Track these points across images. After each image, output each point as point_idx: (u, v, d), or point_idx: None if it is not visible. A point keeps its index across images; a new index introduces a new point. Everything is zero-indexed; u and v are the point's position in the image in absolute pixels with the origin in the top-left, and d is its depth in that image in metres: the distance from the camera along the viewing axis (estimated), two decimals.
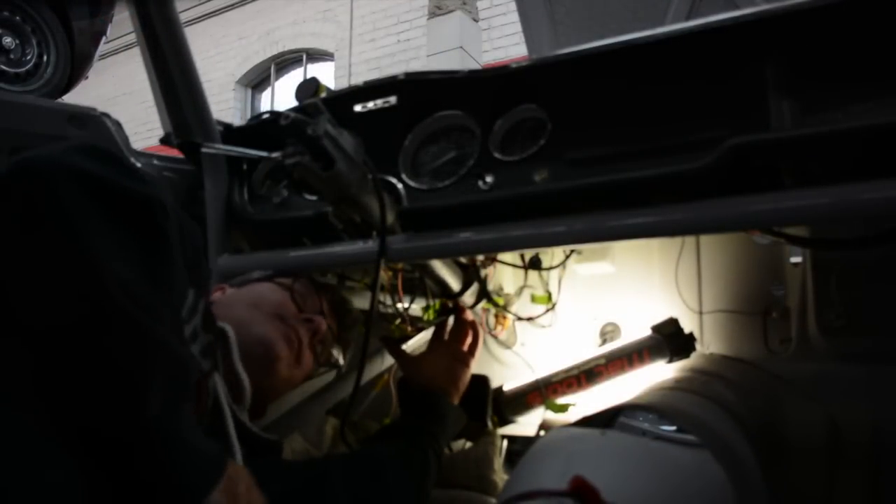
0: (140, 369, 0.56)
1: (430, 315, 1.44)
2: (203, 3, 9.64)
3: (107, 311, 0.54)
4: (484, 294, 1.45)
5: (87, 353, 0.54)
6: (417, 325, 1.40)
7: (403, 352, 1.31)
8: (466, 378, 1.26)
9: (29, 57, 2.72)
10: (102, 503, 0.55)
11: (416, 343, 1.41)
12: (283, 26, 9.32)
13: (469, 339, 1.30)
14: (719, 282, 1.41)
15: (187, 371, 0.62)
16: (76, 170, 0.58)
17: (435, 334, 1.32)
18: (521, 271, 1.49)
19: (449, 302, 1.36)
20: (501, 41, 7.29)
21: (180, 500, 0.58)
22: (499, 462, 1.31)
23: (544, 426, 1.40)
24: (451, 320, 1.33)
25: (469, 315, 1.35)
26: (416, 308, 1.46)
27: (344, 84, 7.17)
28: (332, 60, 8.87)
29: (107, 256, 0.56)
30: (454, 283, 1.33)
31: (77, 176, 0.57)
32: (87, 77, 3.05)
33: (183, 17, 1.24)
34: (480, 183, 1.05)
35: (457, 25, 7.12)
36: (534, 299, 1.54)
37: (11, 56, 2.66)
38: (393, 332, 1.36)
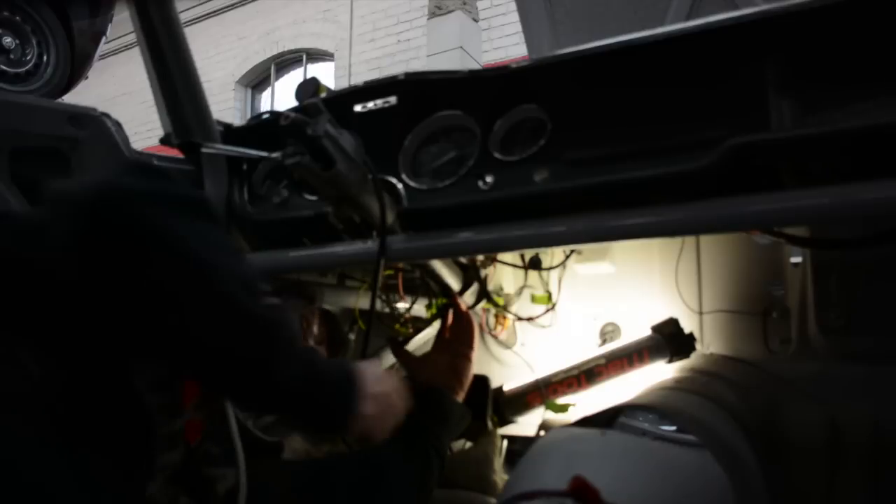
0: (266, 350, 0.65)
1: (433, 312, 1.44)
2: (203, 3, 9.64)
3: (233, 308, 0.62)
4: (484, 294, 1.45)
5: (227, 349, 0.63)
6: (418, 325, 1.40)
7: (407, 352, 1.31)
8: (470, 373, 1.26)
9: (29, 57, 2.72)
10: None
11: (418, 343, 1.41)
12: (283, 26, 9.32)
13: (467, 333, 1.30)
14: (719, 282, 1.41)
15: (290, 326, 0.70)
16: (149, 193, 0.61)
17: (438, 333, 1.32)
18: (521, 271, 1.50)
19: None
20: (501, 41, 7.28)
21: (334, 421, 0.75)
22: (499, 462, 1.31)
23: (544, 426, 1.40)
24: (450, 317, 1.33)
25: (462, 305, 1.34)
26: (419, 308, 1.47)
27: (344, 84, 7.16)
28: (332, 60, 8.86)
29: (213, 258, 0.63)
30: (454, 283, 1.33)
31: (153, 199, 0.61)
32: (87, 77, 3.05)
33: (183, 17, 1.24)
34: (480, 183, 1.05)
35: (457, 25, 7.12)
36: (534, 299, 1.54)
37: (11, 56, 2.66)
38: (398, 332, 1.37)
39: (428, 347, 1.34)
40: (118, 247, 0.57)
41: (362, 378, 0.79)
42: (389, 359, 1.45)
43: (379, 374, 0.84)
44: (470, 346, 1.28)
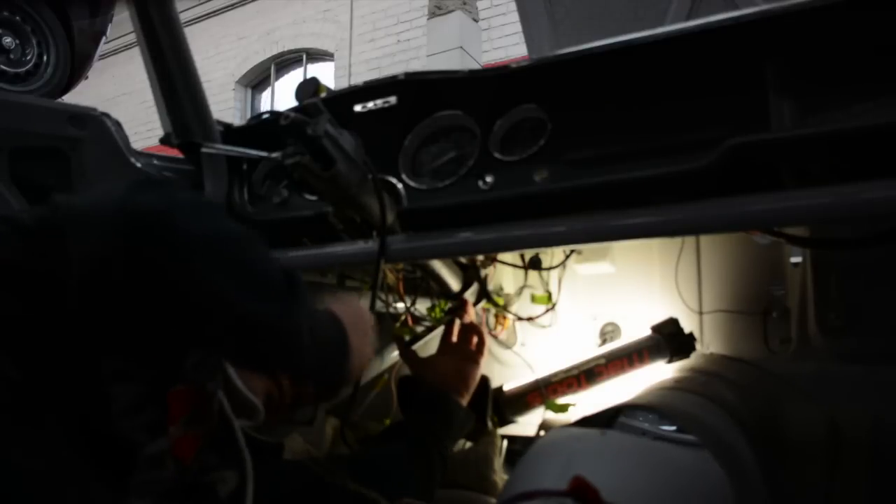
0: (295, 334, 0.70)
1: (437, 314, 1.44)
2: (203, 3, 9.64)
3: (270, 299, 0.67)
4: (484, 294, 1.45)
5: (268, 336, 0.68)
6: (423, 324, 1.40)
7: (414, 353, 1.31)
8: (477, 377, 1.26)
9: (29, 57, 2.72)
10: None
11: (421, 343, 1.41)
12: (283, 26, 9.32)
13: (476, 338, 1.30)
14: (719, 282, 1.41)
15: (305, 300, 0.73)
16: (170, 207, 0.64)
17: (444, 335, 1.32)
18: (521, 271, 1.50)
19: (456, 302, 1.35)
20: (501, 41, 7.28)
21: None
22: (499, 462, 1.31)
23: (544, 426, 1.40)
24: (458, 321, 1.33)
25: (471, 314, 1.34)
26: (420, 308, 1.47)
27: (344, 84, 7.16)
28: (332, 60, 8.87)
29: (246, 252, 0.68)
30: (454, 283, 1.33)
31: (177, 211, 0.64)
32: (87, 77, 3.05)
33: (183, 17, 1.24)
34: (480, 183, 1.05)
35: (457, 25, 7.12)
36: (534, 299, 1.54)
37: (11, 56, 2.66)
38: (403, 332, 1.36)
39: (430, 348, 1.34)
40: (160, 262, 0.60)
41: (349, 334, 0.82)
42: (389, 360, 1.46)
43: (356, 312, 0.86)
44: (480, 351, 1.28)
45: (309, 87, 1.16)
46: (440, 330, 1.33)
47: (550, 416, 1.40)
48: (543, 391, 1.37)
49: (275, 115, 1.16)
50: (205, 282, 0.63)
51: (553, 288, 1.51)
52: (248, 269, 0.67)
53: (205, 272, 0.63)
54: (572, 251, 1.41)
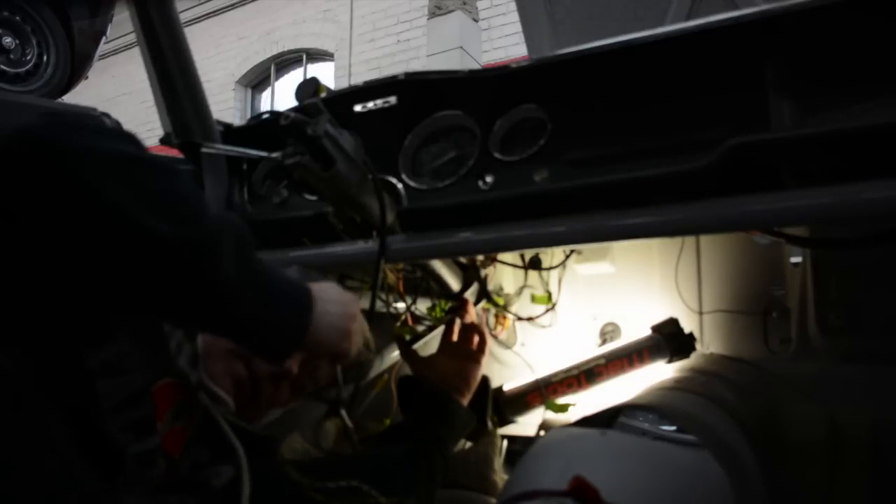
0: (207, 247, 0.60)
1: (437, 314, 1.44)
2: (203, 3, 9.64)
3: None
4: (484, 294, 1.45)
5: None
6: (424, 323, 1.40)
7: (415, 352, 1.31)
8: (478, 377, 1.26)
9: (29, 57, 2.72)
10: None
11: (421, 343, 1.41)
12: (283, 26, 9.32)
13: (477, 338, 1.30)
14: (719, 282, 1.41)
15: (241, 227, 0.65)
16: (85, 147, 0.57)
17: (445, 334, 1.31)
18: (521, 271, 1.50)
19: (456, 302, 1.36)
20: (501, 41, 7.28)
21: (287, 338, 0.69)
22: (499, 462, 1.31)
23: (544, 426, 1.40)
24: (458, 322, 1.33)
25: (472, 314, 1.34)
26: (421, 307, 1.46)
27: (344, 84, 7.16)
28: (332, 60, 8.86)
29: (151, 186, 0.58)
30: (454, 283, 1.33)
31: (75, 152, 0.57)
32: (87, 77, 3.05)
33: (183, 17, 1.24)
34: (480, 183, 1.05)
35: (457, 25, 7.12)
36: (534, 299, 1.54)
37: (11, 56, 2.66)
38: (403, 332, 1.36)
39: (430, 347, 1.34)
40: (43, 180, 0.54)
41: (313, 294, 0.72)
42: (389, 359, 1.46)
43: (329, 287, 0.77)
44: (481, 351, 1.28)
45: (309, 87, 1.16)
46: (441, 329, 1.33)
47: (550, 416, 1.40)
48: (543, 391, 1.37)
49: (275, 115, 1.16)
50: (94, 193, 0.54)
51: (553, 288, 1.51)
52: (153, 189, 0.58)
53: (94, 184, 0.54)
54: (572, 251, 1.41)
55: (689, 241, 1.43)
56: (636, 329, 1.38)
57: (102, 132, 0.61)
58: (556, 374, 1.38)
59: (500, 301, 1.55)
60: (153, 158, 0.61)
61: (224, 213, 0.63)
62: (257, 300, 0.65)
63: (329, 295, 0.75)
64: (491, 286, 1.51)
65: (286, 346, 0.71)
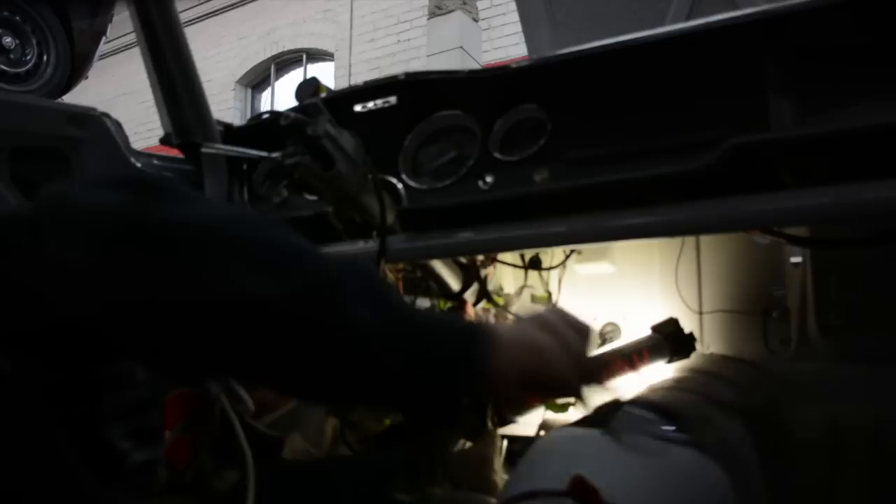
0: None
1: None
2: (203, 3, 9.64)
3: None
4: (484, 294, 1.45)
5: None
6: None
7: None
8: None
9: (29, 57, 2.71)
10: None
11: None
12: (283, 26, 9.32)
13: None
14: (719, 282, 1.41)
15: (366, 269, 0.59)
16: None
17: None
18: (521, 271, 1.50)
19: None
20: (501, 41, 7.28)
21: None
22: (499, 462, 1.31)
23: (544, 426, 1.39)
24: None
25: (471, 314, 1.34)
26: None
27: (344, 84, 7.16)
28: (332, 60, 8.86)
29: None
30: (454, 283, 1.33)
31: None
32: (87, 77, 3.05)
33: (183, 17, 1.24)
34: (480, 183, 1.05)
35: (457, 25, 7.11)
36: (534, 299, 1.54)
37: (11, 56, 2.66)
38: None
39: None
40: (143, 262, 0.50)
41: (489, 328, 0.62)
42: None
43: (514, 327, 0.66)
44: None
45: (309, 87, 1.16)
46: None
47: (550, 416, 1.40)
48: None
49: (275, 115, 1.16)
50: (201, 271, 0.50)
51: (553, 288, 1.51)
52: (251, 248, 0.52)
53: (197, 260, 0.50)
54: (572, 251, 1.42)
55: (689, 241, 1.43)
56: (636, 329, 1.38)
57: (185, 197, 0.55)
58: None
59: (500, 301, 1.55)
60: (249, 216, 0.57)
61: (342, 258, 0.56)
62: (400, 352, 0.54)
63: (514, 327, 0.65)
64: (491, 286, 1.50)
65: (446, 410, 0.62)
